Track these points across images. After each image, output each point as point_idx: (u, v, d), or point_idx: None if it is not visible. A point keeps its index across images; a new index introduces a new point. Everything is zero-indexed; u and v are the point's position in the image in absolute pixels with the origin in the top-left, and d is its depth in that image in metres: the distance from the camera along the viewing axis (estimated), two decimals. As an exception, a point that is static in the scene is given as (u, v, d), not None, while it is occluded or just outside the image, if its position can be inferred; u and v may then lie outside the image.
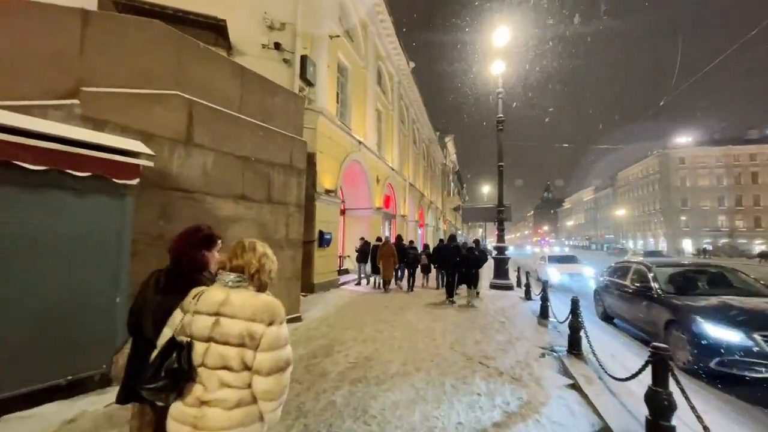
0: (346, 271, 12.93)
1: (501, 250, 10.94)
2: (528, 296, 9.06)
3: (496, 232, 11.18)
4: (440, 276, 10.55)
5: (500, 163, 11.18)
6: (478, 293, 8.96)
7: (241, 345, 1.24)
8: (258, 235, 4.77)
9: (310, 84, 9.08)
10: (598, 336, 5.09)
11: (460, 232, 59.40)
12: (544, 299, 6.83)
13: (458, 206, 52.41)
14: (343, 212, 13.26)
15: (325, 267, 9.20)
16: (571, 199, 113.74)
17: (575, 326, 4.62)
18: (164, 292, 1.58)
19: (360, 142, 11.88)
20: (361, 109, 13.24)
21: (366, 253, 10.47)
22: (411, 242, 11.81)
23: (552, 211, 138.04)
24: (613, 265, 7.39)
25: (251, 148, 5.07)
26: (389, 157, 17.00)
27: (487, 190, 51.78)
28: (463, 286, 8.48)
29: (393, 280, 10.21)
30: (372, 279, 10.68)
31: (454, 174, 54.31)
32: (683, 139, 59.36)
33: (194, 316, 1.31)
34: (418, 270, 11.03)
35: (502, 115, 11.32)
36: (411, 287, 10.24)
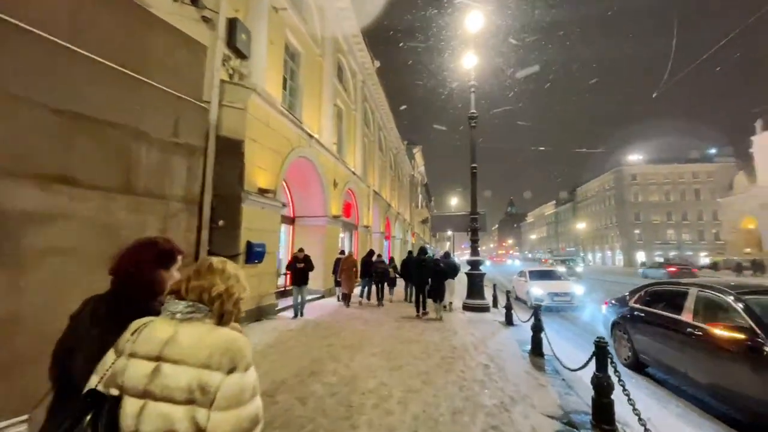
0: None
1: (475, 264, 9.38)
2: (509, 321, 7.48)
3: (470, 244, 9.64)
4: (408, 289, 10.58)
5: (473, 165, 9.75)
6: (445, 307, 8.84)
7: (190, 402, 0.91)
8: (98, 246, 2.76)
9: (241, 55, 7.16)
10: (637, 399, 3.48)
11: (428, 245, 58.61)
12: (537, 330, 5.22)
13: (426, 218, 51.59)
14: (291, 220, 11.22)
15: (256, 289, 7.10)
16: (534, 213, 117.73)
17: (603, 386, 2.99)
18: (105, 324, 1.18)
19: (312, 137, 10.01)
20: (315, 101, 11.44)
21: (299, 269, 7.82)
22: (379, 255, 11.18)
23: (515, 225, 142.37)
24: (643, 285, 5.35)
25: (93, 102, 3.07)
26: (351, 160, 15.25)
27: (455, 202, 51.56)
28: (430, 300, 8.25)
29: (360, 296, 10.13)
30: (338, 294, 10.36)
31: (422, 186, 53.64)
32: (635, 157, 62.89)
33: (129, 361, 0.97)
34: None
35: (475, 111, 9.98)
36: (380, 302, 9.90)
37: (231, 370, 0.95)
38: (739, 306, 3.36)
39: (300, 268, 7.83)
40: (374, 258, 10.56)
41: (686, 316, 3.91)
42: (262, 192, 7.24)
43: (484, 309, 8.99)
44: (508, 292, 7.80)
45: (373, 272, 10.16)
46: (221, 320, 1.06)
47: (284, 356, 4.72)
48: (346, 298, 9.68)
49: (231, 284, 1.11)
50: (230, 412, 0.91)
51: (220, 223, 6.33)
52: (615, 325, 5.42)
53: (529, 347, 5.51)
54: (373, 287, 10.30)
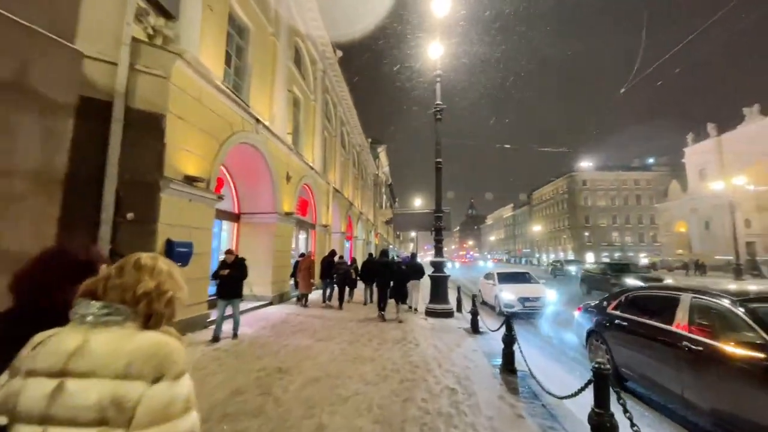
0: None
1: (438, 266, 8.71)
2: (475, 329, 6.83)
3: (434, 245, 8.94)
4: (367, 292, 10.37)
5: (438, 160, 9.09)
6: (411, 308, 9.16)
7: (102, 423, 0.74)
8: None
9: (166, 14, 5.90)
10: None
11: (392, 246, 58.10)
12: (509, 342, 4.54)
13: (390, 219, 51.15)
14: (236, 217, 9.90)
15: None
16: (493, 215, 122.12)
17: (606, 427, 2.29)
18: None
19: (260, 122, 8.80)
20: (267, 85, 10.22)
21: (225, 277, 5.94)
22: (341, 257, 11.03)
23: (475, 227, 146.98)
24: (624, 290, 4.88)
25: None
26: (309, 154, 14.09)
27: (419, 203, 51.54)
28: (392, 302, 8.23)
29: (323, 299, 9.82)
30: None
31: (387, 186, 53.14)
32: (586, 164, 66.93)
33: (26, 380, 0.79)
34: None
35: (440, 102, 9.34)
36: (341, 305, 9.56)
37: (156, 379, 0.79)
38: (750, 317, 2.81)
39: (226, 276, 5.85)
40: (336, 259, 10.34)
41: (680, 327, 3.36)
42: (190, 180, 5.98)
43: (447, 314, 8.32)
44: (474, 296, 7.16)
45: (335, 274, 9.86)
46: (148, 323, 0.89)
47: (197, 388, 3.63)
48: (303, 299, 9.76)
49: (162, 280, 0.94)
50: (153, 430, 0.75)
51: (129, 216, 5.07)
52: (591, 334, 4.88)
53: (499, 361, 4.83)
54: (335, 289, 9.96)
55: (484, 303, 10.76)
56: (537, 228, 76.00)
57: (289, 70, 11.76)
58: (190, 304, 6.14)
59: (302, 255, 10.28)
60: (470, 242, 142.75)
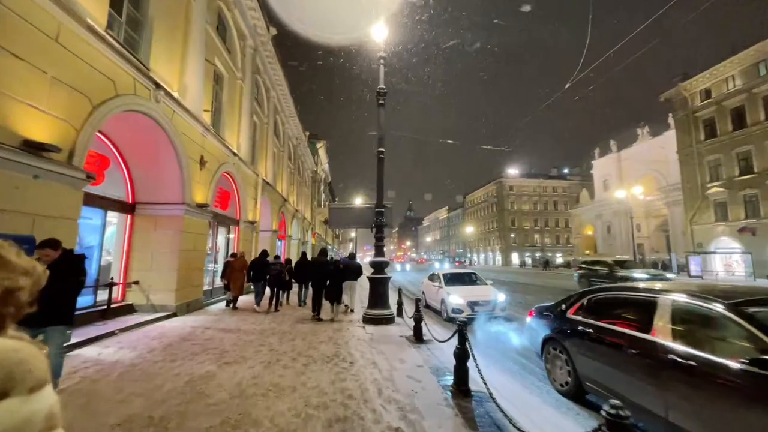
0: (130, 309, 7.55)
1: (379, 266, 7.80)
2: (419, 337, 6.05)
3: (374, 244, 8.02)
4: (301, 292, 10.24)
5: (380, 149, 8.21)
6: (347, 307, 9.11)
7: None
8: None
9: None
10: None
11: (331, 246, 56.28)
12: (462, 357, 3.78)
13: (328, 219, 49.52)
14: (130, 207, 7.89)
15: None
16: (430, 217, 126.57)
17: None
18: None
19: (160, 87, 7.02)
20: (176, 49, 8.37)
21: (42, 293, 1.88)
22: (276, 257, 10.67)
23: (413, 228, 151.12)
24: (585, 291, 4.19)
25: None
26: (233, 139, 12.25)
27: (360, 203, 50.63)
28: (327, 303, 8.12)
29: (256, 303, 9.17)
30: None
31: (326, 185, 51.30)
32: (513, 170, 72.46)
33: None
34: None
35: (383, 86, 8.47)
36: (276, 307, 9.20)
37: (2, 396, 0.62)
38: (753, 324, 2.31)
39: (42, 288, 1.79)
40: (270, 259, 9.88)
41: (661, 336, 2.85)
42: (34, 147, 4.20)
43: (388, 320, 7.45)
44: (417, 300, 6.36)
45: (268, 275, 9.28)
46: None
47: None
48: (234, 302, 9.45)
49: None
50: None
51: None
52: (547, 342, 4.34)
53: (449, 379, 4.06)
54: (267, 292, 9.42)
55: (427, 307, 10.18)
56: (470, 229, 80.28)
57: (208, 37, 9.93)
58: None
59: (233, 255, 9.82)
60: (408, 243, 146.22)
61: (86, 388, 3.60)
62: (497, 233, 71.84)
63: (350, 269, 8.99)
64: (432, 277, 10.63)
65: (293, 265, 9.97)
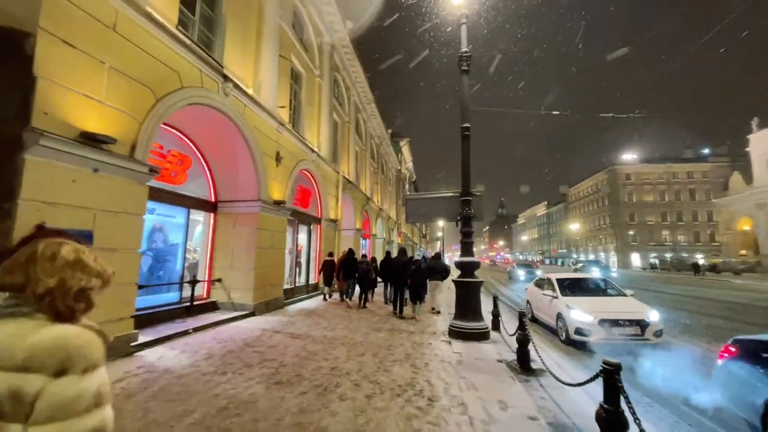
0: (214, 306, 7.62)
1: (467, 268, 6.32)
2: (525, 365, 4.45)
3: (460, 240, 6.55)
4: (387, 291, 10.15)
5: (465, 124, 6.73)
6: (435, 309, 9.00)
7: None
8: None
9: None
10: None
11: (417, 245, 55.47)
12: (617, 422, 2.19)
13: (414, 218, 48.62)
14: (212, 206, 8.02)
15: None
16: (525, 214, 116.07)
17: None
18: None
19: (228, 79, 6.83)
20: (248, 44, 8.29)
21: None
22: (363, 256, 11.23)
23: (506, 227, 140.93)
24: None
25: None
26: (313, 137, 12.12)
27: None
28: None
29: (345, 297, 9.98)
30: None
31: (411, 183, 50.71)
32: (629, 156, 61.11)
33: None
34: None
35: (467, 50, 6.99)
36: (363, 304, 9.63)
37: (60, 373, 0.73)
38: None
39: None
40: (359, 257, 10.32)
41: None
42: (92, 139, 4.04)
43: (480, 336, 5.94)
44: (522, 315, 4.71)
45: (357, 274, 9.83)
46: (58, 317, 0.81)
47: None
48: (330, 295, 10.76)
49: (64, 276, 0.83)
50: (52, 427, 0.71)
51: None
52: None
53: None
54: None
55: (534, 320, 8.13)
56: (574, 227, 70.51)
57: (283, 34, 9.81)
58: (104, 322, 4.20)
59: (330, 254, 10.80)
60: (501, 242, 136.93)
61: (115, 405, 3.13)
62: (610, 230, 61.38)
63: (435, 269, 9.10)
64: (540, 283, 8.42)
65: (378, 263, 10.49)
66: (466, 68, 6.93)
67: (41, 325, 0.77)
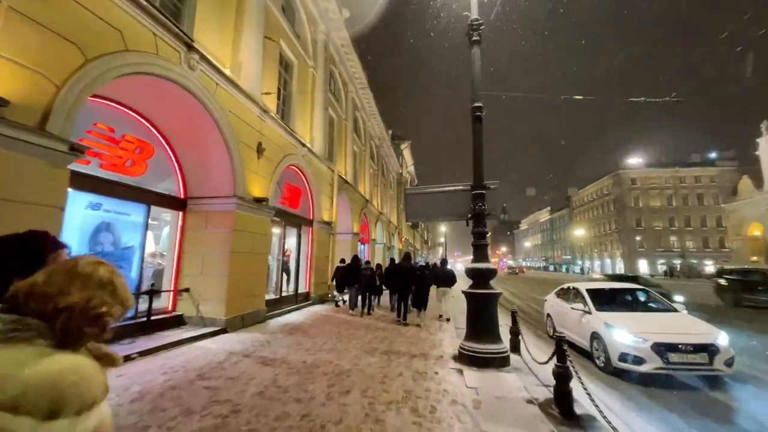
0: (180, 321, 6.45)
1: (481, 276, 5.12)
2: (567, 410, 3.26)
3: (474, 242, 5.37)
4: (393, 298, 9.56)
5: (476, 104, 5.60)
6: (443, 317, 8.67)
7: None
8: None
9: None
10: None
11: (419, 251, 54.13)
12: None
13: (417, 222, 47.28)
14: (181, 203, 6.90)
15: None
16: (528, 220, 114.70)
17: None
18: None
19: (193, 50, 5.74)
20: (225, 18, 7.25)
21: None
22: (367, 262, 10.40)
23: (509, 232, 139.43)
24: None
25: None
26: (304, 129, 11.05)
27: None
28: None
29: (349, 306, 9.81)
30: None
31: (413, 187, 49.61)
32: (635, 160, 59.93)
33: None
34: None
35: (478, 17, 5.90)
36: (368, 311, 9.42)
37: (52, 416, 0.65)
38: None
39: None
40: (363, 264, 9.93)
41: None
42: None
43: (499, 362, 4.74)
44: (560, 340, 3.47)
45: (360, 279, 9.47)
46: (64, 343, 0.76)
47: None
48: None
49: (94, 294, 0.80)
50: None
51: None
52: None
53: None
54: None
55: (555, 336, 6.92)
56: (579, 232, 69.11)
57: (271, 16, 8.81)
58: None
59: (342, 261, 10.40)
60: (504, 248, 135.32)
61: None
62: (616, 236, 59.96)
63: (442, 276, 8.98)
64: (565, 294, 7.11)
65: (383, 270, 10.20)
66: (477, 39, 5.83)
67: (40, 354, 0.71)
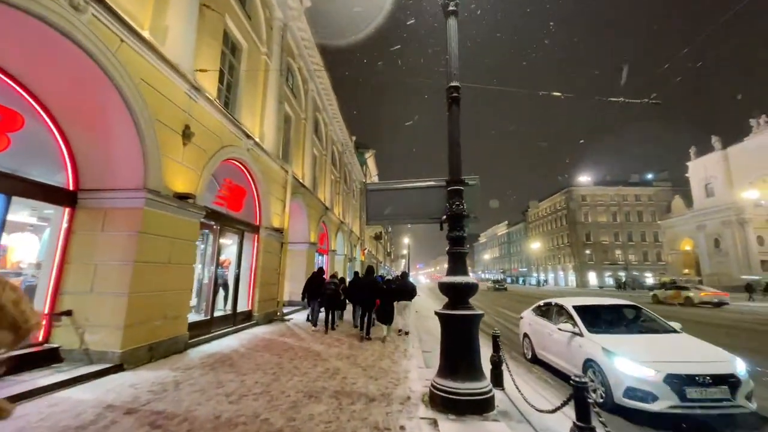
0: (53, 356, 4.69)
1: (458, 292, 4.04)
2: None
3: (449, 248, 4.30)
4: (356, 313, 9.13)
5: (453, 84, 4.64)
6: (402, 331, 8.57)
7: None
8: None
9: None
10: None
11: (382, 264, 52.90)
12: None
13: (380, 233, 46.15)
14: (70, 196, 5.19)
15: None
16: (486, 233, 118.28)
17: None
18: None
19: (129, 26, 4.27)
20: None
21: None
22: (333, 275, 10.26)
23: (468, 246, 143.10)
24: None
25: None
26: (253, 121, 9.62)
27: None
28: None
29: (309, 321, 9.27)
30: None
31: (375, 199, 48.59)
32: (584, 178, 63.89)
33: None
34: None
35: (455, -15, 5.00)
36: (332, 327, 8.74)
37: None
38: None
39: None
40: (327, 277, 9.71)
41: None
42: None
43: (481, 407, 3.62)
44: (580, 389, 2.44)
45: (323, 293, 8.88)
46: None
47: None
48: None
49: None
50: None
51: None
52: None
53: None
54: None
55: (535, 361, 6.14)
56: (535, 246, 71.98)
57: (210, -20, 7.41)
58: None
59: (316, 272, 9.80)
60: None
61: None
62: (569, 249, 63.04)
63: (402, 290, 8.79)
64: (545, 312, 6.21)
65: (347, 284, 9.88)
66: (454, 8, 4.92)
67: None
